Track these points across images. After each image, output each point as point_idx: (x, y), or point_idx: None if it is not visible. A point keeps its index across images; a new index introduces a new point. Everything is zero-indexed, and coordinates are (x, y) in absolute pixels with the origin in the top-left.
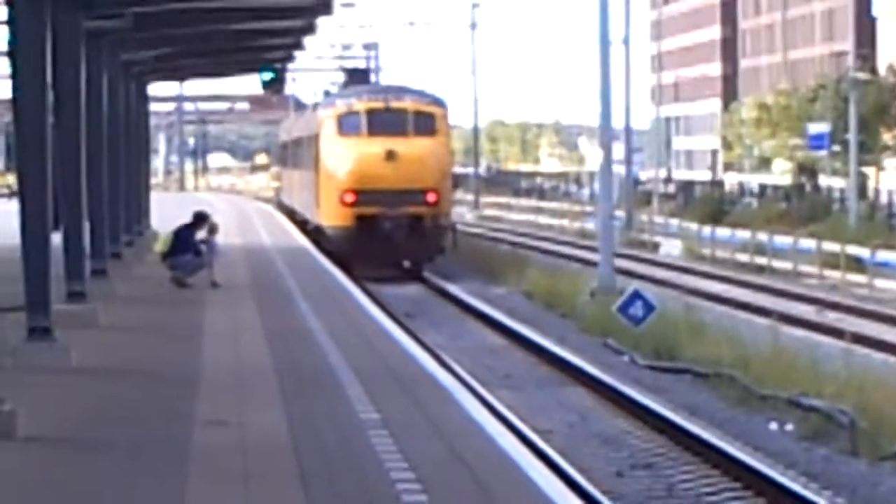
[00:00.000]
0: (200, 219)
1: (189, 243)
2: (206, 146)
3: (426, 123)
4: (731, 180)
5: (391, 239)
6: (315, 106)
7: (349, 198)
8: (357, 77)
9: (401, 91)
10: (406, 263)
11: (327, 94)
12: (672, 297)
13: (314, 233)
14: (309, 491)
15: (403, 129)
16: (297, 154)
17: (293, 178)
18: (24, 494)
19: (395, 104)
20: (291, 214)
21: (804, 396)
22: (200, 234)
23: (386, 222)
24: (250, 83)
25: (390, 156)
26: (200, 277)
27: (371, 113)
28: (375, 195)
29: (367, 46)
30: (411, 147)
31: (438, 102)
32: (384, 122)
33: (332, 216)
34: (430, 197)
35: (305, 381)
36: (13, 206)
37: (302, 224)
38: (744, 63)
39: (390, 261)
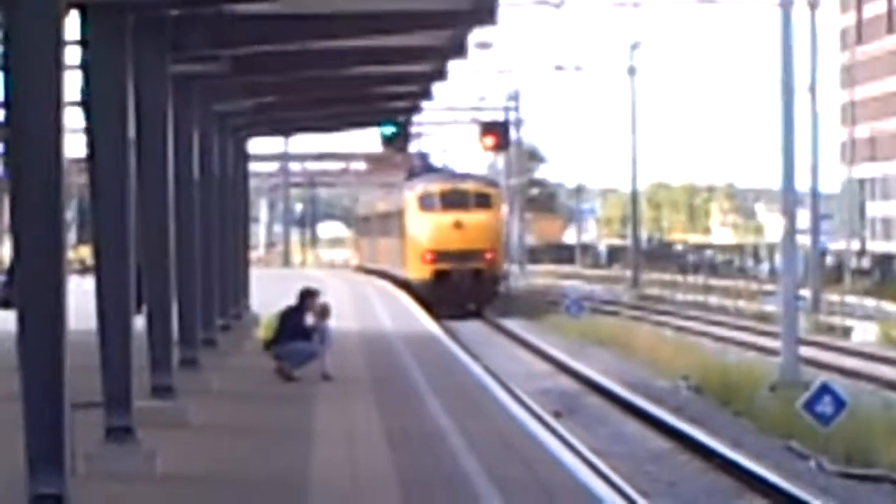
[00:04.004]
0: (308, 296)
1: (298, 328)
2: (315, 213)
3: (484, 200)
4: None
5: (459, 287)
6: (400, 187)
7: (429, 256)
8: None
9: (464, 176)
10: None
11: (410, 176)
12: (867, 392)
13: (402, 285)
14: None
15: (467, 205)
16: (383, 225)
17: (379, 244)
18: None
19: (460, 186)
20: (370, 273)
21: None
22: (309, 318)
23: (455, 274)
24: (368, 139)
25: (458, 225)
26: (310, 369)
27: (443, 193)
28: (447, 254)
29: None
30: (473, 218)
31: (493, 184)
32: (453, 199)
33: (416, 271)
34: (488, 255)
35: (435, 495)
36: (87, 283)
37: (382, 276)
38: None
39: (459, 303)
